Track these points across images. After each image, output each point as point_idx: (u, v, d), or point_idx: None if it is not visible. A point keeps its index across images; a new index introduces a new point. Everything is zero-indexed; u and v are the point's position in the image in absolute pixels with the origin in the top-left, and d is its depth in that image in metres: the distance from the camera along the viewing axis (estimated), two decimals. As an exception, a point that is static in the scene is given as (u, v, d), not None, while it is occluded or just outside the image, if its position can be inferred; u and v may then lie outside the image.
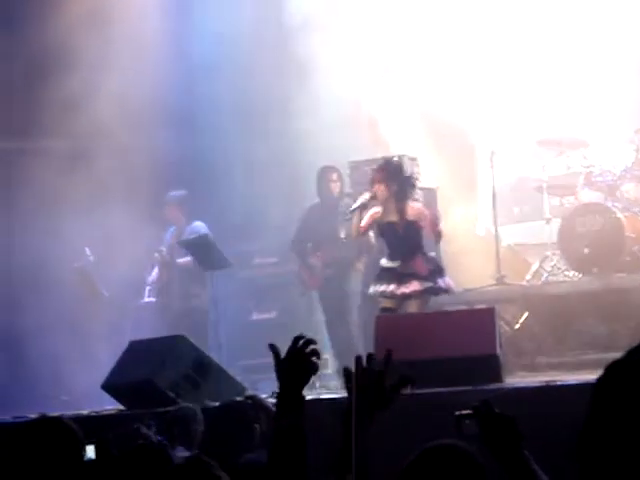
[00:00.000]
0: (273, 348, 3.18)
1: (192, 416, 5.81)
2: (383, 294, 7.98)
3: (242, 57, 10.57)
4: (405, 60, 10.86)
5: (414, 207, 8.08)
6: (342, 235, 8.68)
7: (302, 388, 3.14)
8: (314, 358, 3.15)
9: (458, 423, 3.20)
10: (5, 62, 10.36)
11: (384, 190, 8.00)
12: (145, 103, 10.08)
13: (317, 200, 9.19)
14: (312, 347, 3.15)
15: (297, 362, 3.14)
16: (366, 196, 8.06)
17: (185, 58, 10.56)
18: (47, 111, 10.18)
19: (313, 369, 3.15)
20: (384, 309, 7.89)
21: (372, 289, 8.07)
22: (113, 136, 10.27)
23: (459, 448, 2.87)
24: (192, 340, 7.64)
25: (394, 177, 8.05)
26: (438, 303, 8.54)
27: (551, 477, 5.92)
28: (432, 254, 8.18)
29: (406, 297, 7.90)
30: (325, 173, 9.07)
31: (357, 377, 3.01)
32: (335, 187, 9.03)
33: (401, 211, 8.00)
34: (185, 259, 9.84)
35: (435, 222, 7.97)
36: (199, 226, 9.91)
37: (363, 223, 8.10)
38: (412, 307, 7.91)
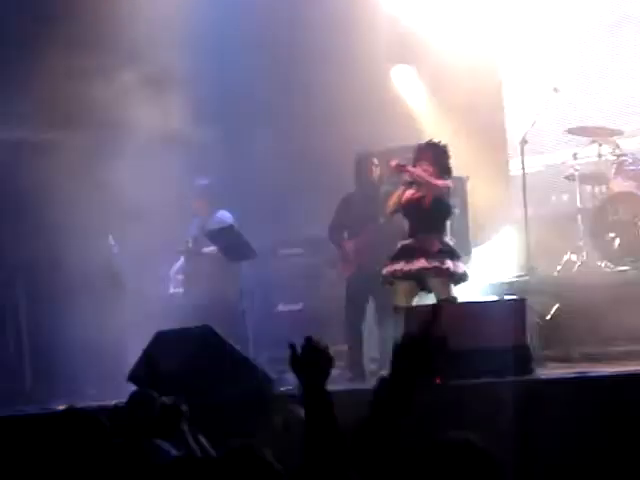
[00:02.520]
0: (291, 346, 3.21)
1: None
2: (394, 274, 7.87)
3: (261, 39, 10.50)
4: (437, 47, 10.77)
5: (439, 184, 8.02)
6: (382, 221, 8.61)
7: (324, 383, 3.15)
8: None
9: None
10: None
11: (429, 170, 7.94)
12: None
13: (353, 189, 9.08)
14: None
15: (313, 357, 3.18)
16: (417, 173, 7.97)
17: (207, 39, 10.43)
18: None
19: (330, 362, 3.19)
20: (396, 308, 7.77)
21: (385, 270, 7.97)
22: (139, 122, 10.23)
23: (471, 444, 2.82)
24: (219, 331, 7.59)
25: (440, 160, 8.00)
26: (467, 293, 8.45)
27: (583, 464, 5.84)
28: (448, 239, 8.08)
29: (409, 276, 7.79)
30: (365, 158, 8.99)
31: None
32: (375, 172, 8.94)
33: (429, 188, 7.92)
34: (211, 248, 9.78)
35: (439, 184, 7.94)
36: (224, 215, 9.85)
37: (403, 197, 8.02)
38: (438, 287, 7.81)
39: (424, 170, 7.98)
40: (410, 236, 8.01)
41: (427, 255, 7.81)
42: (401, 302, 7.82)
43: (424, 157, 8.03)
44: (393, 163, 8.09)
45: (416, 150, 8.15)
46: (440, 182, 7.99)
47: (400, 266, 7.88)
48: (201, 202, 10.04)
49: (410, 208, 8.08)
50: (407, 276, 7.87)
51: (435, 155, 8.04)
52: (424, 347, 3.01)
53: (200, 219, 10.10)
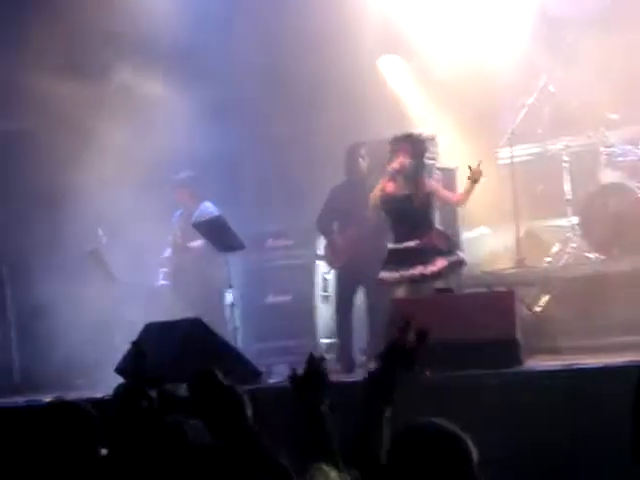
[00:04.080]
0: (293, 372, 3.50)
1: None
2: (410, 278, 7.76)
3: (255, 33, 10.47)
4: (426, 38, 10.75)
5: (427, 181, 7.99)
6: (370, 212, 8.58)
7: (323, 403, 3.37)
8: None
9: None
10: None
11: (409, 162, 7.90)
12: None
13: (343, 180, 9.05)
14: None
15: (314, 382, 3.40)
16: (397, 166, 7.94)
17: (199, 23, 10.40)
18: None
19: (327, 384, 3.42)
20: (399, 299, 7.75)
21: (390, 275, 7.87)
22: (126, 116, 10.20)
23: (442, 427, 2.87)
24: (208, 323, 7.57)
25: (419, 152, 7.97)
26: (457, 285, 8.44)
27: (574, 455, 5.85)
28: (442, 228, 8.09)
29: (435, 276, 7.76)
30: (354, 149, 8.95)
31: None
32: (364, 163, 8.91)
33: (418, 184, 7.89)
34: (197, 243, 9.76)
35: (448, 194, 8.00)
36: (208, 207, 9.82)
37: (383, 190, 7.99)
38: (441, 285, 7.81)
39: (401, 163, 7.92)
40: (404, 237, 7.91)
41: (442, 253, 7.77)
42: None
43: (402, 149, 7.97)
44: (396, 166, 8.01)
45: (392, 141, 8.07)
46: (433, 183, 7.97)
47: (419, 270, 7.74)
48: (182, 193, 10.03)
49: (393, 205, 8.02)
50: (424, 278, 7.83)
51: (415, 147, 7.99)
52: (404, 346, 3.13)
53: (183, 210, 10.08)
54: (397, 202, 7.95)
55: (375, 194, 8.02)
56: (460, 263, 7.91)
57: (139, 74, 10.33)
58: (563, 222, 9.60)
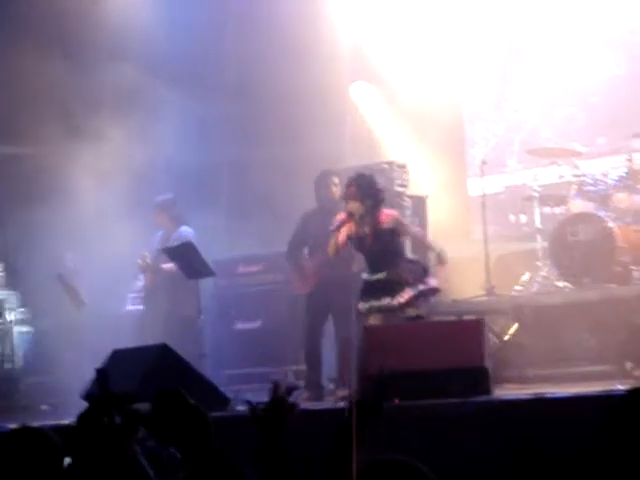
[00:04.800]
0: (249, 404, 3.36)
1: None
2: (380, 309, 7.80)
3: (231, 60, 10.51)
4: (397, 66, 10.82)
5: (386, 213, 8.00)
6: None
7: (283, 434, 3.30)
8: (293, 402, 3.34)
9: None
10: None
11: (359, 207, 7.90)
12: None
13: (314, 206, 9.05)
14: (292, 398, 3.37)
15: (278, 414, 3.31)
16: (343, 216, 7.98)
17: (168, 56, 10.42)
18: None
19: (289, 414, 3.34)
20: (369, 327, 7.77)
21: (362, 305, 7.89)
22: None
23: (412, 466, 2.86)
24: (176, 349, 7.52)
25: (368, 192, 7.94)
26: (426, 314, 8.43)
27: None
28: (413, 257, 8.07)
29: (403, 306, 7.78)
30: (326, 177, 8.96)
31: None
32: (335, 191, 8.91)
33: (373, 222, 7.90)
34: (170, 265, 9.70)
35: (420, 232, 8.01)
36: (185, 231, 9.78)
37: (340, 241, 8.01)
38: (412, 313, 7.81)
39: (356, 209, 7.91)
40: (374, 269, 7.92)
41: (409, 284, 7.78)
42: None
43: (351, 195, 7.94)
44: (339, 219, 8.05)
45: (344, 187, 8.10)
46: (380, 218, 7.96)
47: (387, 302, 7.77)
48: (162, 216, 9.97)
49: (359, 247, 8.04)
50: (391, 308, 7.85)
51: (362, 190, 7.94)
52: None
53: (163, 233, 10.02)
54: (358, 242, 8.00)
55: (330, 249, 8.06)
56: (431, 291, 7.91)
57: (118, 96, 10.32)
58: (533, 251, 9.63)
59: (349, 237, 7.97)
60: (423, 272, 7.93)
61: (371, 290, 7.88)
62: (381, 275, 7.88)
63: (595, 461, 5.76)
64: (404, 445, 6.21)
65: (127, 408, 4.18)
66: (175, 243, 9.55)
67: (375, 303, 7.82)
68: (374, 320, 7.85)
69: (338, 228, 7.99)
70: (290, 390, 3.43)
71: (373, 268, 7.95)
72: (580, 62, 10.67)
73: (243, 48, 10.60)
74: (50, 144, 10.38)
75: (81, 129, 10.12)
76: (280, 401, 3.30)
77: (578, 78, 10.69)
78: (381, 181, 8.55)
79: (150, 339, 9.05)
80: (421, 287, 7.80)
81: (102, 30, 10.17)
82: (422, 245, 8.46)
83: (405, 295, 7.74)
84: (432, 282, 7.91)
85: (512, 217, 10.71)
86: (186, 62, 10.42)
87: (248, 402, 3.36)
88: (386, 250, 7.90)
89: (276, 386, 3.31)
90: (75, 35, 10.19)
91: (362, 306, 7.88)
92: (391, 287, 7.80)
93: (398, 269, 7.84)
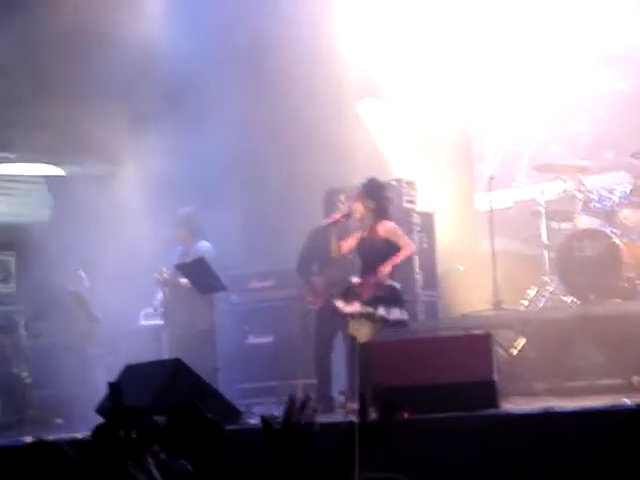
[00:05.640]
0: (264, 420, 3.19)
1: None
2: (335, 311, 8.10)
3: (238, 77, 10.60)
4: (405, 83, 10.90)
5: (387, 225, 8.10)
6: (349, 256, 8.69)
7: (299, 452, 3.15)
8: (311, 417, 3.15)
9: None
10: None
11: (360, 207, 8.04)
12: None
13: (322, 223, 9.15)
14: (309, 410, 3.17)
15: (293, 432, 3.16)
16: (337, 216, 8.13)
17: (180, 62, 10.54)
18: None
19: (310, 435, 3.16)
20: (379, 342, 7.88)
21: (339, 303, 8.13)
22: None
23: None
24: (191, 363, 7.60)
25: (372, 195, 8.09)
26: (434, 328, 8.52)
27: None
28: (392, 283, 8.09)
29: (350, 316, 7.93)
30: (334, 195, 9.07)
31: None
32: (343, 209, 9.02)
33: (373, 229, 8.04)
34: (187, 280, 9.75)
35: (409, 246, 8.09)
36: (203, 247, 9.83)
37: (345, 247, 8.17)
38: (358, 330, 7.91)
39: (357, 208, 8.07)
40: (361, 275, 8.11)
41: (361, 300, 7.92)
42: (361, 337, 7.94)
43: (356, 195, 8.17)
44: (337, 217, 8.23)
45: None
46: (378, 227, 8.08)
47: (341, 305, 8.03)
48: (182, 230, 10.02)
49: (359, 247, 8.24)
50: (339, 313, 8.02)
51: (367, 191, 8.13)
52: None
53: (183, 247, 10.07)
54: (358, 244, 8.19)
55: (334, 252, 8.26)
56: (378, 318, 7.88)
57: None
58: (540, 266, 9.69)
59: (354, 243, 8.13)
60: (388, 299, 7.97)
61: (348, 292, 8.07)
62: (355, 280, 8.08)
63: (603, 475, 5.85)
64: (411, 459, 6.30)
65: (144, 421, 4.26)
66: (190, 258, 9.63)
67: (343, 308, 8.03)
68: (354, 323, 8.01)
69: (330, 225, 8.15)
70: (304, 404, 3.26)
71: (363, 272, 8.09)
72: (587, 77, 10.74)
73: (254, 67, 10.71)
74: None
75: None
76: (295, 420, 3.19)
77: (585, 93, 10.76)
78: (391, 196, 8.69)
79: (166, 353, 9.15)
80: (370, 310, 7.87)
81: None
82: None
83: (352, 307, 7.92)
84: (386, 311, 7.90)
85: (520, 233, 10.77)
86: (196, 82, 10.53)
87: (262, 417, 3.30)
88: (376, 259, 8.03)
89: (292, 403, 3.20)
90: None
91: (337, 304, 8.09)
92: (351, 295, 8.00)
93: (365, 282, 7.99)
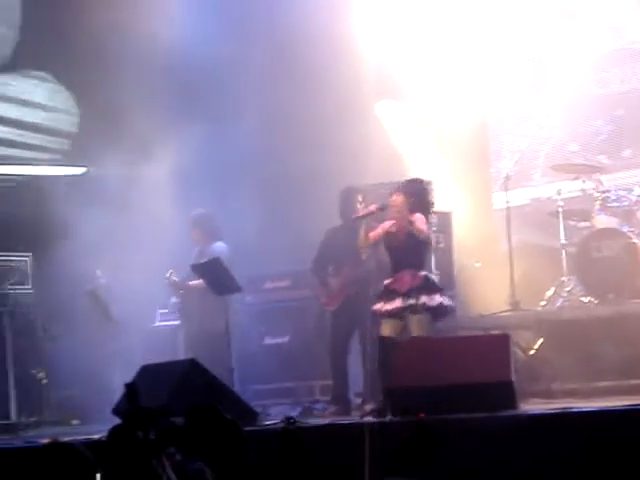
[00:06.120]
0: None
1: None
2: (376, 313, 8.07)
3: (256, 74, 10.60)
4: (422, 83, 10.87)
5: (416, 215, 8.08)
6: (364, 257, 8.65)
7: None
8: None
9: None
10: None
11: (402, 201, 8.03)
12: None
13: (338, 223, 9.13)
14: None
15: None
16: (372, 207, 8.13)
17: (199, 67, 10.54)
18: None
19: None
20: (381, 338, 7.88)
21: (373, 307, 8.15)
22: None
23: None
24: (205, 364, 7.59)
25: (416, 191, 8.09)
26: (452, 328, 8.49)
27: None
28: (426, 273, 8.12)
29: (391, 315, 7.92)
30: (350, 194, 9.04)
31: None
32: (360, 209, 8.99)
33: (408, 222, 8.02)
34: (197, 282, 9.74)
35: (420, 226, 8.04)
36: (218, 247, 9.81)
37: (373, 234, 8.16)
38: (413, 326, 7.90)
39: (396, 201, 8.05)
40: (393, 272, 8.12)
41: (401, 294, 7.90)
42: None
43: (400, 189, 8.17)
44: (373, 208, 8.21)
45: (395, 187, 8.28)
46: (413, 217, 8.05)
47: (380, 306, 8.03)
48: (197, 232, 10.00)
49: (387, 243, 8.23)
50: (390, 315, 7.97)
51: (413, 188, 8.17)
52: None
53: (199, 249, 10.05)
54: (388, 239, 8.20)
55: (361, 241, 8.29)
56: (421, 307, 7.90)
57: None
58: (558, 266, 9.65)
59: (383, 236, 8.11)
60: (426, 287, 7.97)
61: (386, 292, 8.06)
62: (389, 280, 8.09)
63: (623, 475, 5.82)
64: (428, 459, 6.27)
65: (162, 422, 4.25)
66: (205, 259, 9.62)
67: (384, 307, 8.02)
68: (385, 324, 8.00)
69: (363, 216, 8.10)
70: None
71: (394, 269, 8.06)
72: (605, 75, 10.70)
73: (270, 68, 10.70)
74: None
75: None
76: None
77: (603, 90, 10.71)
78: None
79: (182, 354, 9.14)
80: (412, 302, 7.86)
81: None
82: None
83: (393, 304, 7.93)
84: (430, 299, 7.91)
85: (538, 232, 10.73)
86: (213, 81, 10.54)
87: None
88: (410, 254, 8.01)
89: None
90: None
91: (375, 307, 8.09)
92: (389, 293, 8.00)
93: (400, 277, 7.99)
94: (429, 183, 8.68)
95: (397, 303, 7.93)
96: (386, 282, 8.12)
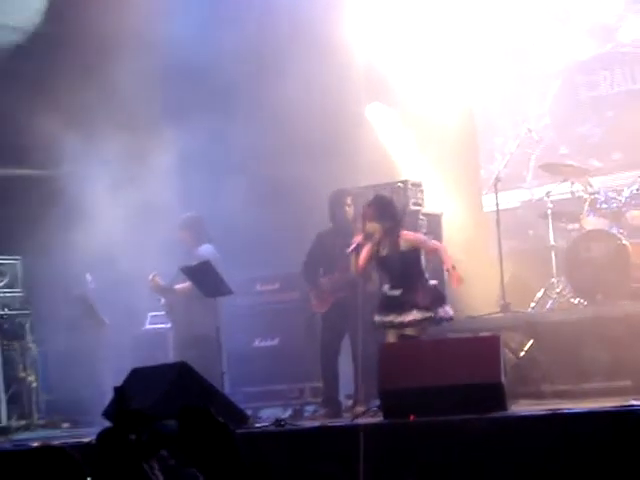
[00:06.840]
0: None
1: None
2: (385, 324, 7.99)
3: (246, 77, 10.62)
4: (412, 87, 10.89)
5: (408, 236, 8.08)
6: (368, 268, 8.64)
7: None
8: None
9: None
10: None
11: (378, 228, 8.01)
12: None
13: (328, 226, 9.12)
14: None
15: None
16: (360, 238, 8.10)
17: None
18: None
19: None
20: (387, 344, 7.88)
21: (377, 317, 8.06)
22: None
23: None
24: (195, 367, 7.60)
25: (386, 214, 8.04)
26: (443, 330, 8.49)
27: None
28: (433, 282, 8.13)
29: (405, 325, 7.89)
30: (340, 197, 9.04)
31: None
32: (349, 211, 8.99)
33: (394, 244, 8.00)
34: (183, 285, 9.73)
35: (435, 247, 8.08)
36: (206, 249, 9.82)
37: (361, 261, 8.12)
38: (409, 332, 7.89)
39: (374, 229, 8.02)
40: (393, 286, 8.05)
41: (418, 308, 7.88)
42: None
43: (369, 216, 8.07)
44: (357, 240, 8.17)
45: (362, 209, 8.21)
46: (400, 240, 8.04)
47: (392, 318, 7.94)
48: (184, 233, 10.00)
49: (381, 266, 8.19)
50: (393, 325, 7.95)
51: (380, 211, 8.07)
52: None
53: (186, 251, 10.04)
54: (379, 263, 8.15)
55: (353, 269, 8.23)
56: (441, 319, 7.95)
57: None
58: (548, 267, 9.67)
59: (371, 257, 8.09)
60: (438, 299, 7.99)
61: (386, 305, 8.03)
62: (397, 292, 8.00)
63: (612, 476, 5.84)
64: (418, 461, 6.29)
65: (154, 425, 4.25)
66: (194, 261, 9.62)
67: (385, 318, 7.98)
68: (391, 334, 7.97)
69: (355, 250, 8.11)
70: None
71: (393, 284, 8.06)
72: (594, 77, 10.73)
73: (264, 69, 10.72)
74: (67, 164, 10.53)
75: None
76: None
77: (593, 93, 10.74)
78: (399, 203, 8.66)
79: (172, 357, 9.13)
80: (429, 314, 7.88)
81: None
82: (438, 258, 8.46)
83: (410, 316, 7.86)
84: (444, 311, 7.95)
85: (527, 234, 10.75)
86: (202, 85, 10.54)
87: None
88: (406, 271, 8.01)
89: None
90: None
91: (376, 319, 8.05)
92: (401, 306, 7.93)
93: (413, 291, 7.93)
94: (408, 185, 8.58)
95: (414, 315, 7.88)
96: (392, 294, 8.05)
